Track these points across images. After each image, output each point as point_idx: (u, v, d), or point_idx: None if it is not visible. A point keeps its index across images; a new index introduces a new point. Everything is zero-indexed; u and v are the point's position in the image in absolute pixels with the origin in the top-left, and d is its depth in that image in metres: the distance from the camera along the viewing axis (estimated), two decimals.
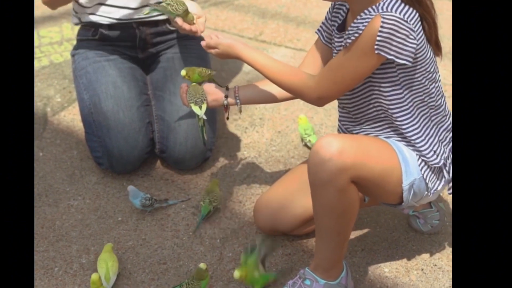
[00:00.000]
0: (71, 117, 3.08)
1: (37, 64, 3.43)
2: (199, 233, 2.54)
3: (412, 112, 2.19)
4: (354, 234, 2.55)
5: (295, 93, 2.26)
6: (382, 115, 2.21)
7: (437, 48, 2.18)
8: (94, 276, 2.24)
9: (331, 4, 2.31)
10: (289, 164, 2.85)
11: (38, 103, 3.16)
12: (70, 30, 3.70)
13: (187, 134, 2.71)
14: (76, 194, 2.70)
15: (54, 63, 3.44)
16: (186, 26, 2.45)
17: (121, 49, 2.88)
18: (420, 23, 2.09)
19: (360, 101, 2.22)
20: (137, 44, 2.88)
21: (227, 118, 2.49)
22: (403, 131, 2.20)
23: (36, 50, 3.53)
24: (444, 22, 3.75)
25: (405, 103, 2.17)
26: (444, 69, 3.40)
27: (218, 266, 2.42)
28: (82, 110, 2.80)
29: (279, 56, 3.50)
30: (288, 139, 2.98)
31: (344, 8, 2.26)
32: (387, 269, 2.43)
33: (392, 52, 2.05)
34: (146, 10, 2.50)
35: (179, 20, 2.44)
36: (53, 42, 3.60)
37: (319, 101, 2.20)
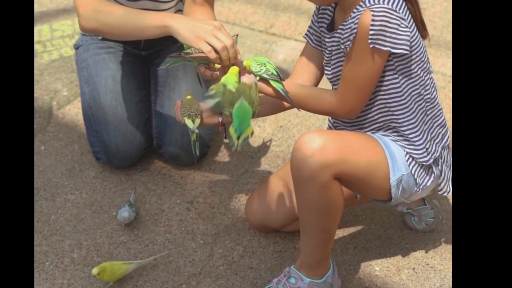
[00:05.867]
0: (76, 111, 3.10)
1: (47, 58, 3.45)
2: (191, 228, 2.54)
3: (410, 107, 2.16)
4: (347, 232, 2.53)
5: (325, 114, 2.24)
6: (381, 114, 2.18)
7: (423, 28, 2.16)
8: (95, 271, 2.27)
9: (316, 7, 2.29)
10: (288, 159, 2.83)
11: (45, 97, 3.18)
12: None
13: (183, 131, 2.70)
14: (73, 188, 2.72)
15: (63, 56, 3.46)
16: (208, 73, 2.27)
17: (124, 45, 2.88)
18: (406, 7, 2.08)
19: None
20: (141, 46, 2.88)
21: (225, 138, 2.47)
22: (400, 127, 2.18)
23: (47, 44, 3.55)
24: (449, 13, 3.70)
25: (403, 97, 2.15)
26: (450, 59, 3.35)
27: (208, 262, 2.42)
28: (83, 104, 2.81)
29: (288, 49, 3.48)
30: (289, 134, 2.96)
31: (330, 7, 2.23)
32: (378, 268, 2.40)
33: (387, 44, 2.03)
34: (168, 62, 2.37)
35: (201, 68, 2.25)
36: (65, 36, 3.63)
37: (350, 114, 2.17)
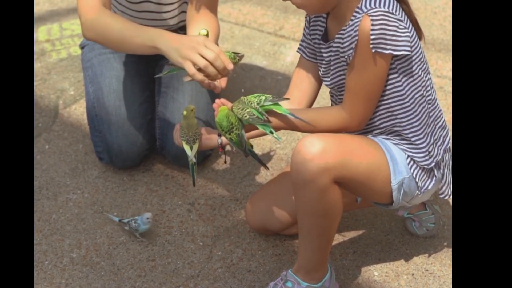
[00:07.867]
0: (82, 110, 3.11)
1: (55, 56, 3.46)
2: (191, 230, 2.54)
3: (414, 109, 2.15)
4: (347, 236, 2.51)
5: (337, 131, 2.17)
6: (383, 119, 2.17)
7: (418, 28, 2.15)
8: None
9: (307, 19, 2.28)
10: None
11: (51, 96, 3.19)
12: None
13: None
14: (76, 188, 2.72)
15: (72, 55, 3.47)
16: (206, 83, 2.28)
17: None
18: (401, 9, 2.08)
19: None
20: None
21: (225, 162, 2.45)
22: (403, 130, 2.17)
23: (56, 42, 3.57)
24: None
25: (407, 99, 2.14)
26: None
27: (206, 264, 2.41)
28: (87, 103, 2.82)
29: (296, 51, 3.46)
30: (294, 137, 2.95)
31: (321, 18, 2.22)
32: (377, 273, 2.38)
33: (388, 47, 2.03)
34: (165, 70, 2.37)
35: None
36: (74, 35, 3.64)
37: (361, 125, 2.17)
